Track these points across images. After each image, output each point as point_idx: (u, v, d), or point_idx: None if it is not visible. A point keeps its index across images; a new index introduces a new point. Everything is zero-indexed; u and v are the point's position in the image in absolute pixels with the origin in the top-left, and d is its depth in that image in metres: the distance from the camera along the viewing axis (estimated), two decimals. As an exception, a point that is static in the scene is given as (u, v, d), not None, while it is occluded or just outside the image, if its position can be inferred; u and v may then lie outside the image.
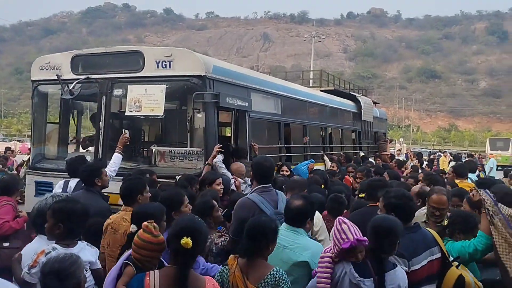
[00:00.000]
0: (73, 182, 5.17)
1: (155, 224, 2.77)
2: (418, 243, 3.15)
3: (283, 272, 2.87)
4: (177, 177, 5.50)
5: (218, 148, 5.90)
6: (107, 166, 5.47)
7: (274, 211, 3.78)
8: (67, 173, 5.48)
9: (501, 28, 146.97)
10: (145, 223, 2.78)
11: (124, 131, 6.50)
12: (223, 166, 6.01)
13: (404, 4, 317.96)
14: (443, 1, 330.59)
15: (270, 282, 2.78)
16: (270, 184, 4.00)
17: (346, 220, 2.99)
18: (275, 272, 2.82)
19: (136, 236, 2.77)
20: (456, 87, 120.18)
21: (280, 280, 2.79)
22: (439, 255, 3.22)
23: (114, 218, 3.75)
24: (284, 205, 3.76)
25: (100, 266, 3.09)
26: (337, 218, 3.03)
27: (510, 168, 15.01)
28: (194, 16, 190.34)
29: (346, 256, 2.89)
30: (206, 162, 5.79)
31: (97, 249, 3.18)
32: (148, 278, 2.47)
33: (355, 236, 2.85)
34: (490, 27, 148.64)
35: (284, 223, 3.48)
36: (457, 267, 3.26)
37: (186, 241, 2.37)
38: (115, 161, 5.68)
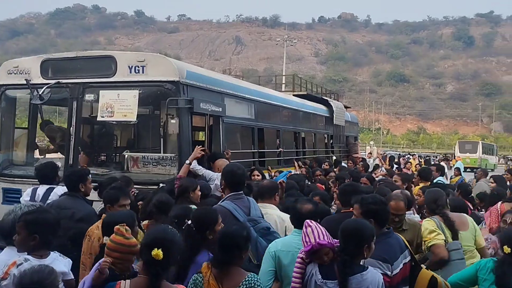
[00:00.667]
0: (41, 190, 5.04)
1: (127, 227, 2.76)
2: (395, 247, 3.23)
3: (258, 278, 2.89)
4: (161, 185, 5.45)
5: (200, 150, 5.85)
6: None
7: (247, 218, 3.77)
8: (36, 179, 5.35)
9: (467, 34, 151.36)
10: (117, 226, 2.77)
11: (79, 150, 6.39)
12: (201, 167, 5.98)
13: (373, 9, 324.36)
14: (411, 7, 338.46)
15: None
16: (242, 192, 3.99)
17: (311, 223, 3.03)
18: (249, 279, 2.82)
19: (109, 239, 2.75)
20: (424, 91, 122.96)
21: (255, 286, 2.81)
22: (409, 258, 3.32)
23: (92, 226, 3.75)
24: (256, 212, 3.83)
25: (73, 277, 3.03)
26: (305, 221, 3.08)
27: (479, 169, 15.34)
28: (165, 19, 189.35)
29: (314, 258, 2.97)
30: (187, 161, 5.70)
31: (69, 259, 3.11)
32: (118, 287, 2.46)
33: (317, 240, 2.90)
34: (457, 33, 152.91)
35: (294, 229, 3.52)
36: (426, 268, 3.39)
37: (157, 252, 2.36)
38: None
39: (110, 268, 2.69)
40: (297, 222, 3.47)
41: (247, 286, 2.80)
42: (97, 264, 2.82)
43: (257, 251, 3.54)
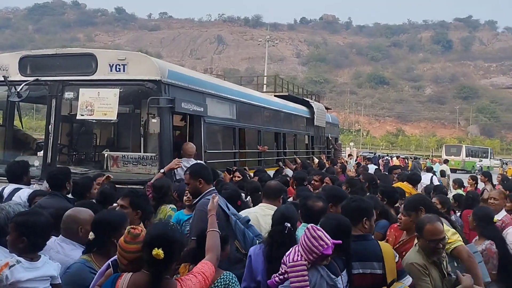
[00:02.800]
0: (8, 189, 4.90)
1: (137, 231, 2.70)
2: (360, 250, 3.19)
3: (233, 276, 2.93)
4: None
5: (177, 162, 5.84)
6: None
7: (230, 211, 3.84)
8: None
9: (445, 38, 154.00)
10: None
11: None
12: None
13: (355, 12, 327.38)
14: (391, 10, 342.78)
15: (220, 286, 2.84)
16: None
17: (319, 227, 3.02)
18: (225, 277, 2.88)
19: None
20: (403, 93, 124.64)
21: (230, 284, 2.86)
22: (379, 271, 3.15)
23: None
24: (229, 205, 3.91)
25: (60, 281, 3.00)
26: (310, 225, 3.04)
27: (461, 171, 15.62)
28: (146, 16, 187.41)
29: (319, 262, 2.95)
30: (162, 170, 5.68)
31: (58, 263, 3.07)
32: (119, 280, 2.45)
33: (331, 241, 2.93)
34: (435, 36, 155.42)
35: (303, 223, 3.64)
36: None
37: (157, 252, 2.31)
38: None
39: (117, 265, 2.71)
40: (307, 216, 3.63)
41: (222, 283, 2.85)
42: (108, 261, 2.81)
43: (245, 241, 3.71)
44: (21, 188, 4.92)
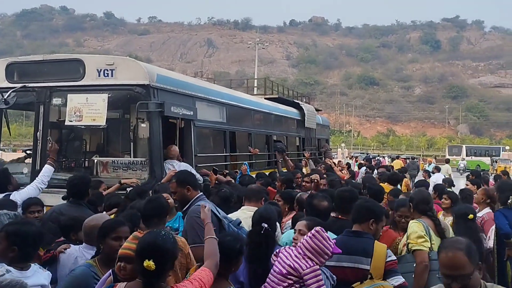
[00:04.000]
0: None
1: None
2: (348, 245, 3.27)
3: None
4: (128, 189, 5.38)
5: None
6: (36, 178, 5.30)
7: (221, 215, 3.83)
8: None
9: (434, 38, 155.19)
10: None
11: (49, 140, 6.23)
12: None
13: (344, 13, 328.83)
14: (380, 11, 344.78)
15: None
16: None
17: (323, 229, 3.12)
18: None
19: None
20: (393, 94, 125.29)
21: None
22: (366, 266, 3.20)
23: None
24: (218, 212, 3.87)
25: None
26: (318, 228, 3.09)
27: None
28: (136, 21, 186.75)
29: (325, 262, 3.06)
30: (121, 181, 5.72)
31: (49, 272, 3.06)
32: None
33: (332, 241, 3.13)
34: (424, 37, 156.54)
35: None
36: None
37: (148, 264, 2.29)
38: (45, 173, 5.41)
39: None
40: (311, 215, 3.73)
41: None
42: (110, 270, 2.82)
43: None
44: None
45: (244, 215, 4.18)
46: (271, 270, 3.12)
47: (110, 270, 2.78)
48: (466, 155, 45.23)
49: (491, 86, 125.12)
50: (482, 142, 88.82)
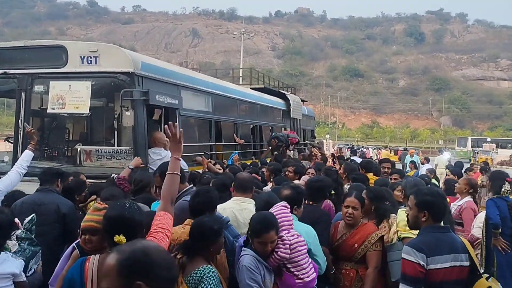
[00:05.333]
0: None
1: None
2: (443, 243, 2.98)
3: (212, 270, 2.87)
4: (113, 175, 5.30)
5: (141, 161, 5.74)
6: (16, 163, 5.17)
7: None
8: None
9: (418, 30, 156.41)
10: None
11: (25, 125, 6.10)
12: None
13: (329, 5, 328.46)
14: (365, 3, 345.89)
15: (194, 277, 2.82)
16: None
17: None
18: (202, 269, 2.84)
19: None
20: (377, 86, 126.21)
21: (204, 277, 2.81)
22: (466, 263, 3.01)
23: (179, 234, 3.29)
24: None
25: (25, 279, 2.92)
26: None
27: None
28: (120, 9, 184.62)
29: None
30: (130, 166, 5.50)
31: (22, 260, 2.99)
32: (87, 263, 2.41)
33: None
34: (408, 29, 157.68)
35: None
36: (487, 279, 3.13)
37: (119, 238, 2.28)
38: (25, 158, 5.21)
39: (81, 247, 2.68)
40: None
41: (198, 274, 2.82)
42: (73, 244, 2.78)
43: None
44: None
45: (239, 206, 4.00)
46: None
47: (74, 244, 2.74)
48: (472, 147, 47.38)
49: (473, 78, 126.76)
50: (464, 134, 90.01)
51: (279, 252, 3.13)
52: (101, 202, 2.64)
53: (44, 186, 4.39)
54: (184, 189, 3.77)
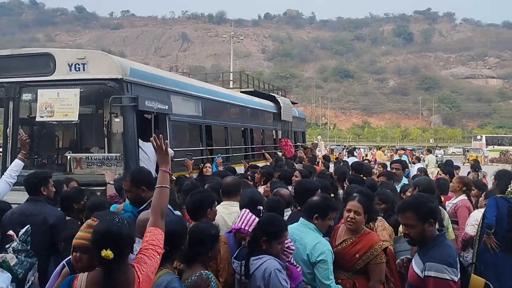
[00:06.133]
0: None
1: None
2: (454, 249, 2.97)
3: (209, 275, 2.85)
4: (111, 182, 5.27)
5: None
6: (5, 173, 5.10)
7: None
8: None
9: (406, 30, 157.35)
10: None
11: (19, 132, 6.06)
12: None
13: (318, 6, 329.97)
14: (353, 4, 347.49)
15: (188, 285, 2.81)
16: None
17: (244, 212, 3.48)
18: (198, 275, 2.82)
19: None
20: (367, 86, 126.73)
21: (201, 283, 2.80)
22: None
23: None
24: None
25: None
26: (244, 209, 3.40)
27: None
28: (108, 15, 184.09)
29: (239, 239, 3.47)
30: (111, 182, 5.32)
31: (9, 274, 2.93)
32: (75, 281, 2.37)
33: (237, 225, 3.37)
34: (397, 29, 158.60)
35: (300, 218, 3.74)
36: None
37: (106, 253, 2.23)
38: (14, 168, 5.12)
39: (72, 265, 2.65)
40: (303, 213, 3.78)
41: (193, 283, 2.80)
42: (63, 261, 2.74)
43: None
44: None
45: (227, 210, 4.07)
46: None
47: (64, 262, 2.71)
48: (487, 145, 47.74)
49: (462, 77, 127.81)
50: (454, 133, 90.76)
51: (289, 245, 3.20)
52: (95, 219, 2.58)
53: (31, 196, 4.32)
54: None
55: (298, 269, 3.28)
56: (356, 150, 34.17)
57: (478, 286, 3.02)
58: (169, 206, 3.59)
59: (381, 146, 36.50)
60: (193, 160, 7.02)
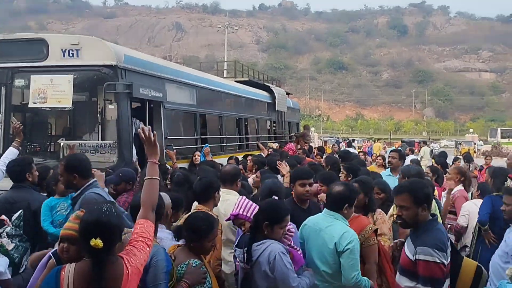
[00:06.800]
0: None
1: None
2: (445, 234, 3.01)
3: (197, 263, 2.87)
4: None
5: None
6: None
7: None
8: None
9: (401, 23, 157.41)
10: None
11: (12, 120, 6.00)
12: None
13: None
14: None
15: (181, 271, 2.81)
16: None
17: (241, 198, 3.44)
18: (188, 263, 2.85)
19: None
20: (361, 78, 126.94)
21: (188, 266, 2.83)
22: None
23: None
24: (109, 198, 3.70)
25: (9, 277, 2.84)
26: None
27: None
28: (102, 3, 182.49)
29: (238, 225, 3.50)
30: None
31: (6, 258, 2.90)
32: (63, 272, 2.32)
33: (235, 211, 3.36)
34: (391, 22, 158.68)
35: (324, 209, 3.66)
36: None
37: (96, 242, 2.21)
38: (8, 155, 5.07)
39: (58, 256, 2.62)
40: (327, 202, 3.68)
41: (184, 269, 2.81)
42: (49, 253, 2.71)
43: None
44: None
45: (221, 198, 4.03)
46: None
47: (50, 253, 2.68)
48: (501, 137, 47.41)
49: (455, 70, 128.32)
50: (447, 125, 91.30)
51: (289, 228, 3.20)
52: (83, 210, 2.56)
53: (16, 183, 4.28)
54: (87, 183, 3.55)
55: (299, 252, 3.28)
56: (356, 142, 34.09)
57: (470, 269, 3.06)
58: (101, 192, 3.55)
59: (379, 138, 36.27)
60: (175, 150, 6.96)
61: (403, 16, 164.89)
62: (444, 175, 6.69)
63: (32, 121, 7.42)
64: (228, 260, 3.83)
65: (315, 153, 11.41)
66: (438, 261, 2.78)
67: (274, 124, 14.54)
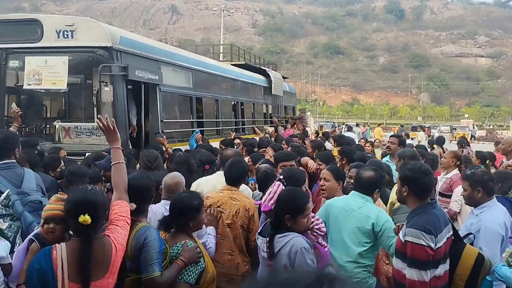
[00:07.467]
0: None
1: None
2: (440, 218, 2.97)
3: (191, 244, 2.88)
4: (87, 154, 5.21)
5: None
6: None
7: (16, 190, 3.37)
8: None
9: (398, 7, 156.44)
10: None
11: (12, 105, 5.95)
12: None
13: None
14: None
15: (172, 253, 2.84)
16: (14, 161, 3.57)
17: (275, 184, 3.13)
18: (181, 244, 2.85)
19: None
20: (358, 63, 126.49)
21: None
22: (451, 232, 3.04)
23: (218, 198, 3.66)
24: (30, 183, 3.49)
25: (10, 261, 2.82)
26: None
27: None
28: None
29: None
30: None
31: (8, 242, 2.87)
32: (55, 252, 2.36)
33: (258, 202, 3.28)
34: (388, 6, 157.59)
35: (352, 191, 3.66)
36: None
37: (84, 218, 2.28)
38: None
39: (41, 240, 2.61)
40: (356, 185, 3.67)
41: (176, 251, 2.84)
42: (30, 236, 2.70)
43: (24, 225, 3.25)
44: None
45: (220, 180, 4.01)
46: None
47: (31, 236, 2.68)
48: None
49: (452, 55, 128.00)
50: (443, 111, 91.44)
51: (320, 227, 3.08)
52: (63, 193, 2.60)
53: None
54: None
55: (326, 249, 3.14)
56: (359, 126, 33.86)
57: (470, 257, 3.05)
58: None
59: (380, 123, 35.86)
60: (164, 136, 6.92)
61: (400, 0, 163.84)
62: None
63: (27, 103, 7.37)
64: None
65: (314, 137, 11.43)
66: (424, 243, 2.80)
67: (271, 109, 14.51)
